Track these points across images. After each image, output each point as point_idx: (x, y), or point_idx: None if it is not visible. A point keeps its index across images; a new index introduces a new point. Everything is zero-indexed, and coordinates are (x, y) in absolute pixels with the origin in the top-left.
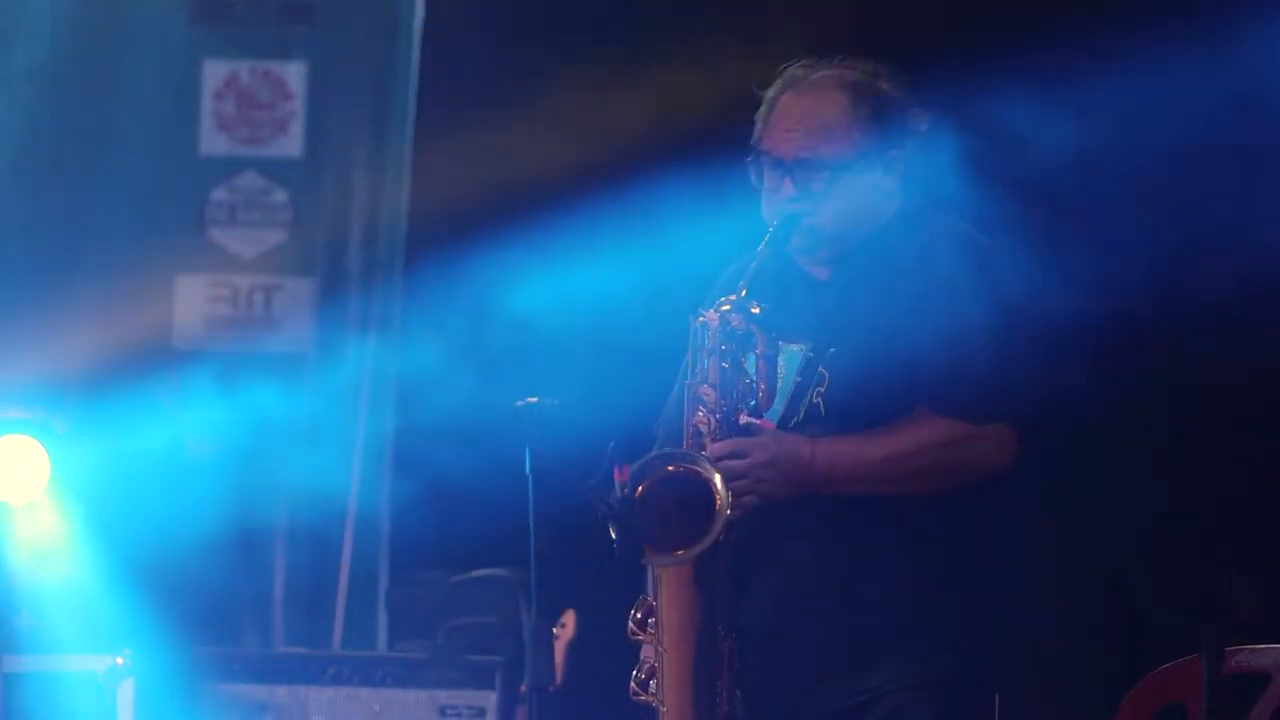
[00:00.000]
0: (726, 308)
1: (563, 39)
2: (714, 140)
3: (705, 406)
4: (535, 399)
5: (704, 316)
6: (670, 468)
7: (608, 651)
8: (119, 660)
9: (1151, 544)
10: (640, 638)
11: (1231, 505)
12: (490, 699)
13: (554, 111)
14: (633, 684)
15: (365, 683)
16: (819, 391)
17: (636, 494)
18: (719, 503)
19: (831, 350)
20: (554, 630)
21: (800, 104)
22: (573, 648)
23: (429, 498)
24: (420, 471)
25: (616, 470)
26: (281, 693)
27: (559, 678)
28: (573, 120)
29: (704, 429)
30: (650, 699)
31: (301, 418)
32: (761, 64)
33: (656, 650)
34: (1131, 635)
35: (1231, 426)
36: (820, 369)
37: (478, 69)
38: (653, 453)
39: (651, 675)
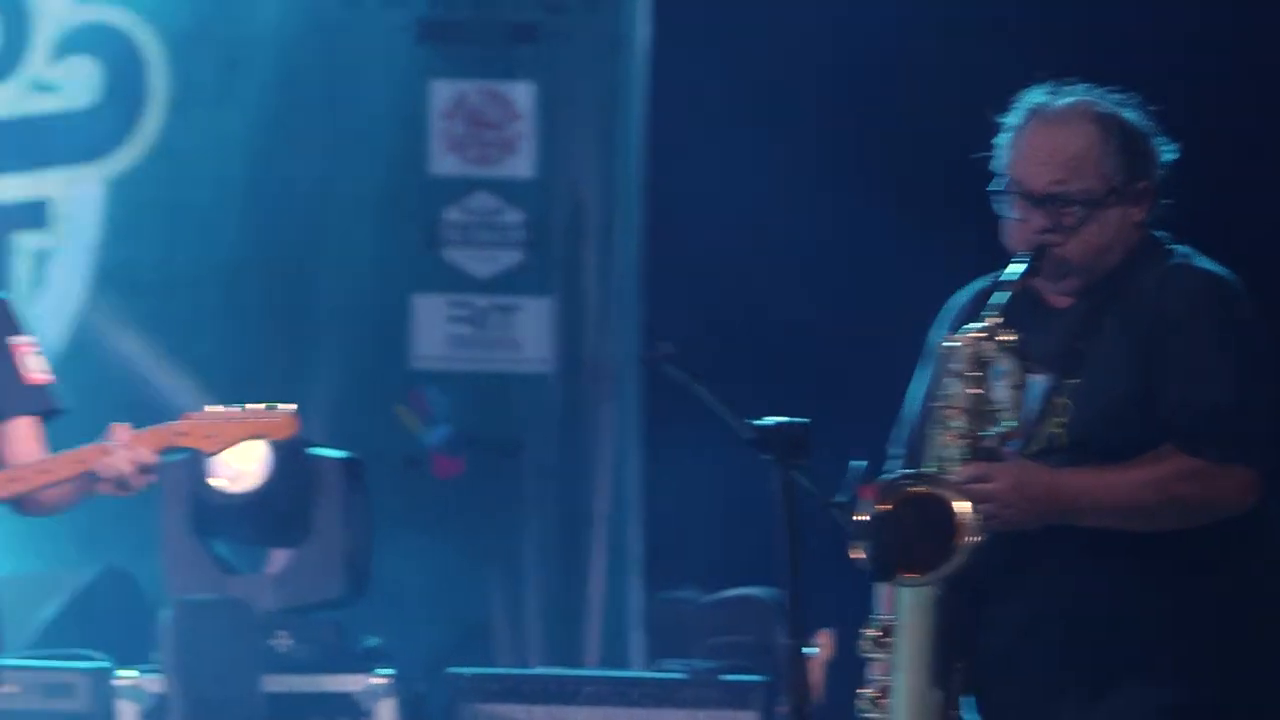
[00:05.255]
0: (978, 334)
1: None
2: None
3: (951, 430)
4: (782, 417)
5: (954, 340)
6: (915, 489)
7: (865, 670)
8: (379, 680)
9: None
10: (874, 656)
11: None
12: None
13: (789, 125)
14: (862, 704)
15: (622, 703)
16: (1060, 422)
17: (879, 513)
18: (965, 527)
19: (1074, 382)
20: (812, 649)
21: (1050, 136)
22: (830, 667)
23: (681, 515)
24: (671, 489)
25: (863, 489)
26: (539, 713)
27: (817, 697)
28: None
29: (949, 453)
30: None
31: (545, 437)
32: None
33: (892, 670)
34: None
35: None
36: (1063, 399)
37: (710, 86)
38: (897, 473)
39: (883, 695)
